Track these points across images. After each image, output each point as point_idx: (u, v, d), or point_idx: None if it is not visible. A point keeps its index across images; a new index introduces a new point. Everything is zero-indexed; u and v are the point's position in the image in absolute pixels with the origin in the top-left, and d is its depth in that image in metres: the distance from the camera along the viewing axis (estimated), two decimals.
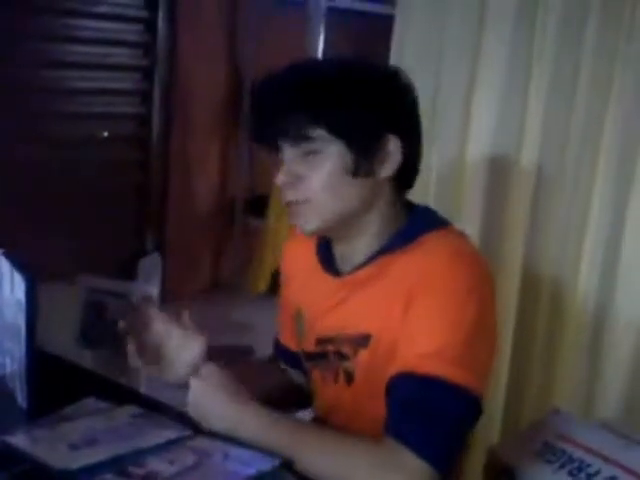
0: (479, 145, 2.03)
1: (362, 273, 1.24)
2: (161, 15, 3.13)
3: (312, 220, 1.22)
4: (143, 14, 3.14)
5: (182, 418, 1.16)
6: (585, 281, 1.90)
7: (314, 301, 1.32)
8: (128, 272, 3.00)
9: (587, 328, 1.89)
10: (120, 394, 1.26)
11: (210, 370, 1.17)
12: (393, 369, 1.14)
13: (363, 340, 1.22)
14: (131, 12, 3.13)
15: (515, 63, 1.95)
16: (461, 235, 1.27)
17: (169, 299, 2.50)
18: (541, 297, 1.94)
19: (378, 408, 1.22)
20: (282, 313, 1.47)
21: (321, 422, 1.36)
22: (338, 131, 1.18)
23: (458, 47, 2.04)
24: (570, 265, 1.92)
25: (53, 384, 1.19)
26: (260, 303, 3.39)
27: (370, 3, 3.41)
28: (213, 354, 2.52)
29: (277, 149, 1.24)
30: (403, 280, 1.18)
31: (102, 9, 3.03)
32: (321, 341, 1.30)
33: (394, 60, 2.19)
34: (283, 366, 1.49)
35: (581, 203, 1.89)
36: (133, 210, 3.32)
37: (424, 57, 2.17)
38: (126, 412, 1.17)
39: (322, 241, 1.34)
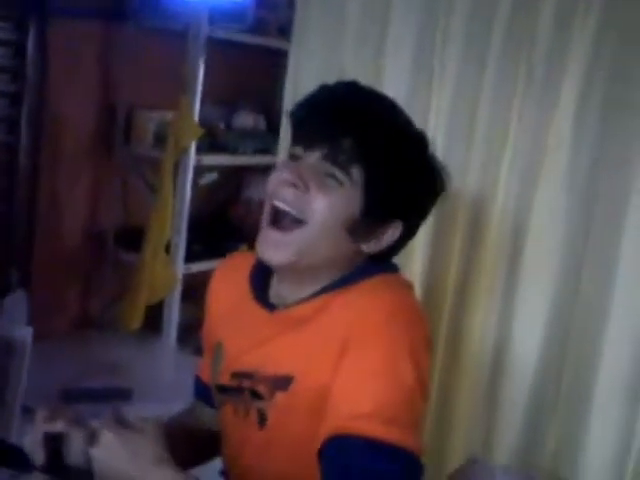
0: None
1: (296, 311, 1.19)
2: (31, 39, 2.95)
3: (286, 254, 1.15)
4: (12, 37, 2.96)
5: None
6: (482, 320, 1.92)
7: (239, 332, 1.26)
8: None
9: (485, 365, 1.91)
10: (16, 455, 1.13)
11: (107, 436, 1.06)
12: (325, 428, 1.07)
13: (283, 382, 1.16)
14: None
15: (415, 98, 1.97)
16: (405, 284, 1.23)
17: (36, 338, 2.34)
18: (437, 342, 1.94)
19: (290, 453, 1.16)
20: (206, 351, 1.39)
21: (231, 462, 1.28)
22: (372, 183, 1.12)
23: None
24: (468, 307, 1.94)
25: None
26: (133, 342, 3.26)
27: (250, 35, 3.37)
28: (86, 396, 2.36)
29: (300, 146, 1.17)
30: (337, 325, 1.13)
31: None
32: (237, 375, 1.24)
33: (289, 93, 2.17)
34: (202, 407, 1.41)
35: (476, 247, 1.92)
36: None
37: None
38: None
39: (258, 269, 1.27)
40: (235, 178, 3.97)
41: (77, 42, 3.16)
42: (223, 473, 1.39)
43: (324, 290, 1.18)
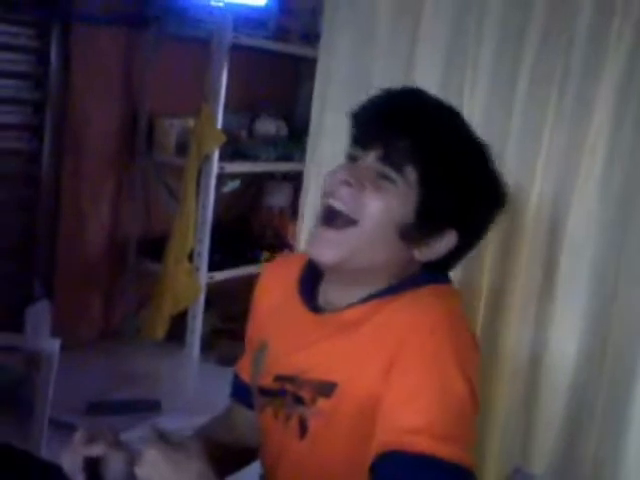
0: None
1: (344, 315, 1.16)
2: (54, 45, 2.94)
3: (338, 253, 1.12)
4: (35, 44, 2.95)
5: None
6: (517, 328, 1.89)
7: (285, 334, 1.22)
8: (14, 322, 2.77)
9: (521, 373, 1.87)
10: (56, 476, 1.11)
11: (153, 454, 1.02)
12: (375, 443, 1.04)
13: (326, 388, 1.13)
14: (22, 42, 2.93)
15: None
16: (454, 294, 1.20)
17: (60, 349, 2.32)
18: None
19: (330, 467, 1.13)
20: (248, 350, 1.36)
21: (269, 471, 1.25)
22: (427, 184, 1.10)
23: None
24: (502, 316, 1.90)
25: None
26: (157, 352, 3.24)
27: (272, 42, 3.35)
28: (113, 409, 2.34)
29: (357, 147, 1.16)
30: (386, 334, 1.09)
31: None
32: (281, 378, 1.20)
33: (317, 100, 2.14)
34: (238, 408, 1.38)
35: (512, 253, 1.89)
36: (20, 253, 3.08)
37: (348, 107, 2.12)
38: None
39: (308, 271, 1.24)
40: (256, 185, 3.95)
41: (99, 49, 3.16)
42: (262, 477, 1.36)
43: (373, 296, 1.15)
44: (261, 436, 1.29)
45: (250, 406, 1.34)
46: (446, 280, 1.21)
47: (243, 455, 1.37)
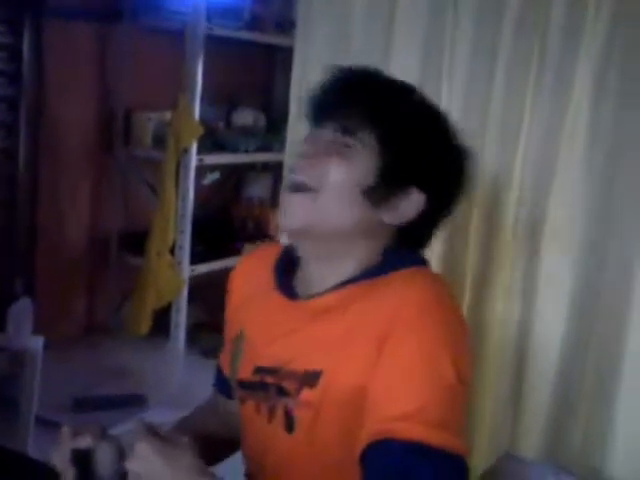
0: None
1: (323, 301, 1.14)
2: (26, 41, 2.90)
3: (303, 215, 1.13)
4: (6, 40, 2.91)
5: None
6: (503, 314, 1.89)
7: (261, 323, 1.21)
8: None
9: (508, 359, 1.88)
10: (46, 473, 1.10)
11: (144, 448, 1.01)
12: (365, 432, 1.03)
13: (311, 378, 1.11)
14: None
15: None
16: (436, 276, 1.20)
17: (43, 346, 2.30)
18: None
19: (319, 458, 1.12)
20: (227, 341, 1.35)
21: (253, 466, 1.24)
22: (385, 145, 1.12)
23: None
24: (488, 301, 1.91)
25: None
26: (142, 346, 3.22)
27: (247, 32, 3.33)
28: (99, 405, 2.33)
29: (314, 126, 1.18)
30: (368, 319, 1.08)
31: None
32: (260, 370, 1.18)
33: (295, 91, 2.13)
34: (223, 399, 1.38)
35: (495, 237, 1.89)
36: None
37: None
38: None
39: (283, 259, 1.23)
40: (235, 177, 3.94)
41: (73, 44, 3.13)
42: (247, 476, 1.35)
43: (350, 281, 1.15)
44: (243, 429, 1.28)
45: (231, 397, 1.34)
46: (425, 263, 1.21)
47: (229, 443, 1.37)
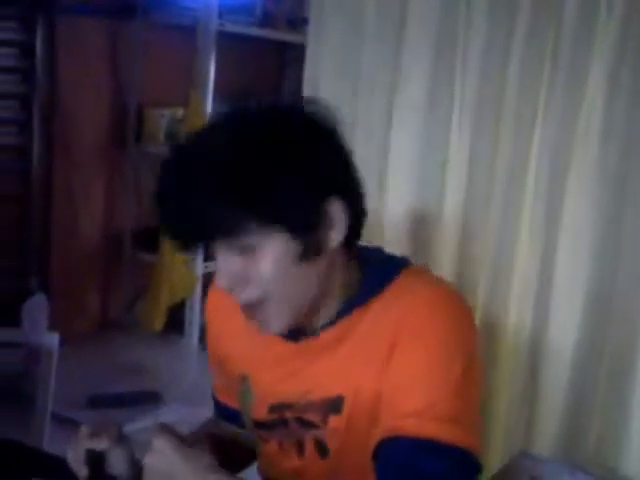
0: (399, 189, 1.98)
1: (328, 336, 1.11)
2: (39, 38, 2.91)
3: (280, 318, 1.07)
4: (20, 37, 2.92)
5: None
6: (517, 315, 1.89)
7: (263, 367, 1.17)
8: (10, 317, 2.76)
9: (522, 359, 1.88)
10: (60, 468, 1.11)
11: (162, 443, 1.01)
12: (378, 431, 1.03)
13: (334, 404, 1.09)
14: (6, 35, 2.90)
15: (436, 99, 1.93)
16: (426, 271, 1.18)
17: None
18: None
19: (354, 474, 1.11)
20: (218, 374, 1.31)
21: None
22: (271, 219, 0.99)
23: (374, 80, 2.00)
24: (501, 302, 1.90)
25: None
26: (156, 343, 3.23)
27: (259, 28, 3.33)
28: (114, 402, 2.33)
29: (199, 244, 1.07)
30: (378, 333, 1.07)
31: None
32: (276, 407, 1.16)
33: (307, 89, 2.12)
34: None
35: (510, 238, 1.88)
36: (13, 249, 3.06)
37: (339, 89, 2.11)
38: None
39: None
40: None
41: (86, 40, 3.13)
42: None
43: (349, 308, 1.10)
44: (264, 463, 1.26)
45: (238, 425, 1.31)
46: (407, 262, 1.16)
47: (243, 454, 1.36)
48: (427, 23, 1.90)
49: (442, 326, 1.05)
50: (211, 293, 1.30)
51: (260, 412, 1.18)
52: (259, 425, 1.20)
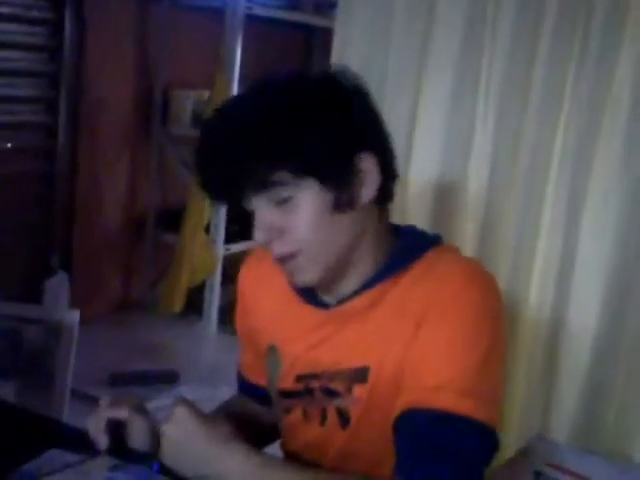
0: (424, 167, 1.98)
1: (356, 303, 1.12)
2: (68, 17, 2.93)
3: (312, 270, 1.10)
4: (49, 16, 2.93)
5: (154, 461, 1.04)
6: (538, 297, 1.88)
7: (293, 336, 1.19)
8: (32, 294, 2.79)
9: (542, 342, 1.87)
10: (80, 439, 1.11)
11: (182, 413, 1.03)
12: (399, 404, 1.04)
13: (359, 375, 1.11)
14: (35, 14, 2.91)
15: (464, 79, 1.92)
16: (456, 250, 1.18)
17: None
18: None
19: (377, 450, 1.12)
20: (246, 347, 1.33)
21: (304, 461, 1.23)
22: (303, 170, 1.04)
23: (402, 65, 1.99)
24: (522, 283, 1.90)
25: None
26: (175, 324, 3.25)
27: (286, 11, 3.32)
28: (134, 380, 2.34)
29: (239, 201, 1.09)
30: (407, 306, 1.08)
31: (3, 10, 2.80)
32: (303, 377, 1.17)
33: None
34: (250, 403, 1.37)
35: (533, 218, 1.88)
36: (37, 227, 3.09)
37: (367, 74, 2.10)
38: (101, 465, 1.03)
39: None
40: None
41: (113, 21, 3.14)
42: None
43: (377, 278, 1.13)
44: (288, 434, 1.27)
45: (261, 402, 1.33)
46: (440, 240, 1.18)
47: (261, 435, 1.36)
48: (456, 6, 1.89)
49: (469, 304, 1.06)
50: (245, 265, 1.33)
51: (287, 382, 1.20)
52: (284, 394, 1.22)
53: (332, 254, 1.10)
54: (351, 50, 2.08)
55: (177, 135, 3.37)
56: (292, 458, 1.26)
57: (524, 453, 1.38)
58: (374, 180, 1.09)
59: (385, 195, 1.14)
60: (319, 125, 1.05)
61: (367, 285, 1.12)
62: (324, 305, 1.16)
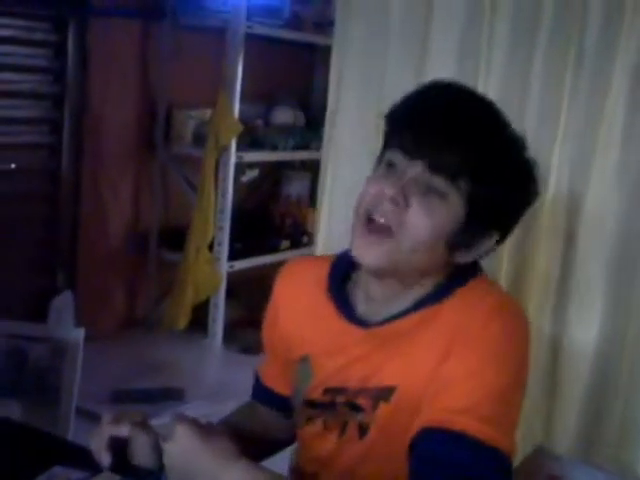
0: None
1: (394, 327, 1.14)
2: (71, 39, 2.96)
3: (383, 258, 1.09)
4: (52, 38, 2.97)
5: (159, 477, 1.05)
6: (538, 305, 1.89)
7: (329, 350, 1.20)
8: (38, 312, 2.81)
9: (543, 353, 1.88)
10: (84, 456, 1.13)
11: (182, 430, 1.04)
12: (418, 422, 1.05)
13: (385, 393, 1.13)
14: (39, 36, 2.95)
15: None
16: (494, 282, 1.21)
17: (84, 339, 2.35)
18: None
19: (390, 469, 1.13)
20: (272, 357, 1.35)
21: (319, 469, 1.24)
22: (478, 196, 1.06)
23: (400, 81, 2.01)
24: (522, 291, 1.90)
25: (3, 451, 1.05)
26: (180, 341, 3.26)
27: (286, 30, 3.35)
28: (140, 397, 2.35)
29: (399, 153, 1.09)
30: (439, 334, 1.10)
31: (7, 32, 2.84)
32: (330, 390, 1.19)
33: (333, 92, 2.14)
34: (262, 408, 1.38)
35: (530, 224, 1.88)
36: (42, 246, 3.12)
37: (365, 90, 2.12)
38: None
39: (335, 276, 1.22)
40: (274, 175, 3.97)
41: (116, 42, 3.17)
42: (292, 470, 1.36)
43: (421, 304, 1.14)
44: (303, 444, 1.29)
45: (278, 410, 1.34)
46: (481, 270, 1.19)
47: (267, 445, 1.38)
48: (452, 24, 1.91)
49: (498, 335, 1.08)
50: (280, 276, 1.33)
51: (315, 393, 1.21)
52: (310, 404, 1.23)
53: (411, 264, 1.10)
54: (349, 67, 2.10)
55: (179, 154, 3.40)
56: (303, 469, 1.28)
57: (525, 467, 1.39)
58: (479, 253, 1.13)
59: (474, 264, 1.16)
60: (514, 184, 1.09)
61: (414, 308, 1.14)
62: (362, 322, 1.17)
